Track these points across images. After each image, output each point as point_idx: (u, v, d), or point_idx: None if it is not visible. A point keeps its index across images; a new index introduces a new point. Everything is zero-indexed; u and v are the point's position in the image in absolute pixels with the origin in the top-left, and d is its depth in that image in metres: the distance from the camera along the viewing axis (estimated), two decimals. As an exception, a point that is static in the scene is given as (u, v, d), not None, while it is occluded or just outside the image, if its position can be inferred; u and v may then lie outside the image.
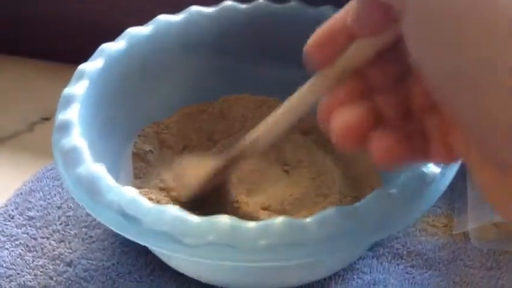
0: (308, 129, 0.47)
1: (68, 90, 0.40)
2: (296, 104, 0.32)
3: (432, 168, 0.34)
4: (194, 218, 0.32)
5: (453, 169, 0.35)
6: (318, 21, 0.45)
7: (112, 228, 0.33)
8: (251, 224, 0.32)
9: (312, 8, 0.46)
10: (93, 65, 0.41)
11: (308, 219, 0.32)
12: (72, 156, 0.35)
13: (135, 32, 0.44)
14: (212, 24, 0.46)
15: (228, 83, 0.48)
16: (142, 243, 0.33)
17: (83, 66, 0.41)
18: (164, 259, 0.39)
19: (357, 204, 0.33)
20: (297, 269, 0.37)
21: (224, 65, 0.47)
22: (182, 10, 0.46)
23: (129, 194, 0.33)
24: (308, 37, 0.46)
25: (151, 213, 0.32)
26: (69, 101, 0.39)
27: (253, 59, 0.47)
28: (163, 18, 0.45)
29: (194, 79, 0.47)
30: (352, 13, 0.27)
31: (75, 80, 0.40)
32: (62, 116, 0.38)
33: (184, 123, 0.46)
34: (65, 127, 0.37)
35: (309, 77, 0.44)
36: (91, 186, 0.34)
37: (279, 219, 0.32)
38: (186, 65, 0.46)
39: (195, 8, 0.46)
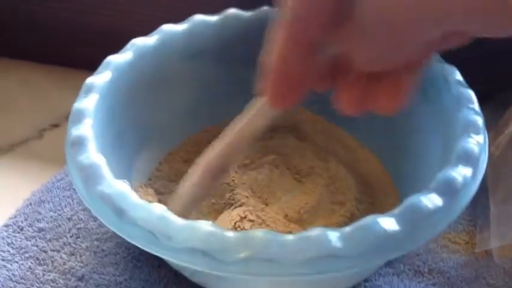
0: (316, 137, 0.46)
1: (78, 104, 0.39)
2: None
3: (459, 176, 0.34)
4: (229, 233, 0.31)
5: (479, 178, 0.35)
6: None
7: (141, 246, 0.32)
8: (289, 237, 0.31)
9: None
10: (101, 78, 0.40)
11: (347, 229, 0.31)
12: (92, 173, 0.34)
13: (141, 42, 0.43)
14: (216, 33, 0.45)
15: (234, 90, 0.47)
16: (174, 261, 0.32)
17: (91, 80, 0.40)
18: (186, 274, 0.38)
19: (393, 212, 0.32)
20: (319, 280, 0.36)
21: (230, 72, 0.46)
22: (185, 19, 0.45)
23: (158, 211, 0.32)
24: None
25: (183, 230, 0.31)
26: (80, 115, 0.38)
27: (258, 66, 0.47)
28: (167, 27, 0.44)
29: (200, 87, 0.46)
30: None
31: (84, 93, 0.39)
32: (75, 132, 0.37)
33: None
34: (80, 143, 0.36)
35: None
36: (116, 204, 0.33)
37: (317, 230, 0.31)
38: (192, 73, 0.45)
39: (198, 17, 0.45)
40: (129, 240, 0.32)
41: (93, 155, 0.35)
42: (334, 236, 0.31)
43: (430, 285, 0.39)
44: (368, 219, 0.32)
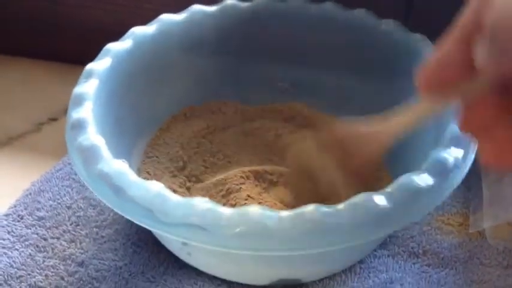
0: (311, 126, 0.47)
1: (79, 89, 0.40)
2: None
3: (450, 157, 0.35)
4: (225, 209, 0.32)
5: (470, 159, 0.36)
6: (320, 18, 0.47)
7: (139, 223, 0.33)
8: (284, 213, 0.32)
9: (314, 5, 0.46)
10: (101, 65, 0.41)
11: (340, 205, 0.32)
12: (91, 154, 0.35)
13: (140, 31, 0.44)
14: (214, 23, 0.46)
15: (231, 80, 0.48)
16: (172, 236, 0.33)
17: (91, 66, 0.41)
18: (183, 257, 0.39)
19: (385, 190, 0.33)
20: (315, 259, 0.37)
21: (227, 62, 0.48)
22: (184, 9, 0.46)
23: (155, 188, 0.33)
24: (310, 34, 0.47)
25: (180, 206, 0.32)
26: (80, 99, 0.39)
27: (256, 57, 0.48)
28: (166, 17, 0.45)
29: (198, 76, 0.47)
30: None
31: (84, 79, 0.40)
32: (75, 115, 0.38)
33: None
34: (80, 125, 0.37)
35: (309, 74, 0.45)
36: (115, 183, 0.33)
37: (311, 207, 0.32)
38: (189, 63, 0.46)
39: (196, 7, 0.46)
40: (127, 217, 0.33)
41: (93, 136, 0.36)
42: (327, 212, 0.32)
43: (424, 266, 0.40)
44: (360, 197, 0.32)
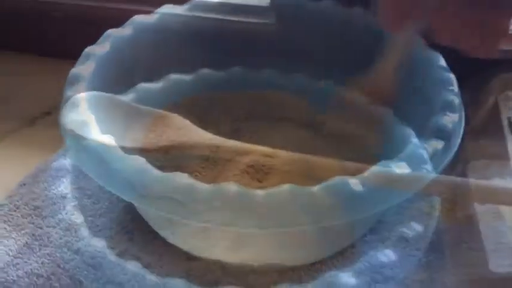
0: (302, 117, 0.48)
1: (76, 70, 0.41)
2: None
3: (430, 148, 0.36)
4: (203, 186, 0.33)
5: (451, 151, 0.37)
6: (318, 16, 0.47)
7: (122, 196, 0.34)
8: (259, 191, 0.33)
9: (313, 2, 0.47)
10: (99, 48, 0.42)
11: (314, 187, 0.33)
12: (80, 129, 0.36)
13: (141, 19, 0.45)
14: (215, 15, 0.47)
15: (230, 69, 0.49)
16: (151, 209, 0.34)
17: (90, 49, 0.42)
18: (169, 238, 0.40)
19: (361, 175, 0.34)
20: (300, 242, 0.38)
21: (226, 53, 0.48)
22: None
23: (138, 163, 0.34)
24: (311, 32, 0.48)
25: (160, 181, 0.33)
26: (76, 79, 0.40)
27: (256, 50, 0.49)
28: (167, 8, 0.46)
29: (195, 67, 0.48)
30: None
31: (82, 61, 0.42)
32: (70, 93, 0.39)
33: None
34: (73, 103, 0.38)
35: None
36: (99, 156, 0.35)
37: (286, 187, 0.33)
38: (189, 54, 0.47)
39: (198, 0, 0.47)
40: (110, 190, 0.35)
41: (84, 112, 0.37)
42: (301, 192, 0.33)
43: (414, 250, 0.41)
44: (336, 180, 0.33)
